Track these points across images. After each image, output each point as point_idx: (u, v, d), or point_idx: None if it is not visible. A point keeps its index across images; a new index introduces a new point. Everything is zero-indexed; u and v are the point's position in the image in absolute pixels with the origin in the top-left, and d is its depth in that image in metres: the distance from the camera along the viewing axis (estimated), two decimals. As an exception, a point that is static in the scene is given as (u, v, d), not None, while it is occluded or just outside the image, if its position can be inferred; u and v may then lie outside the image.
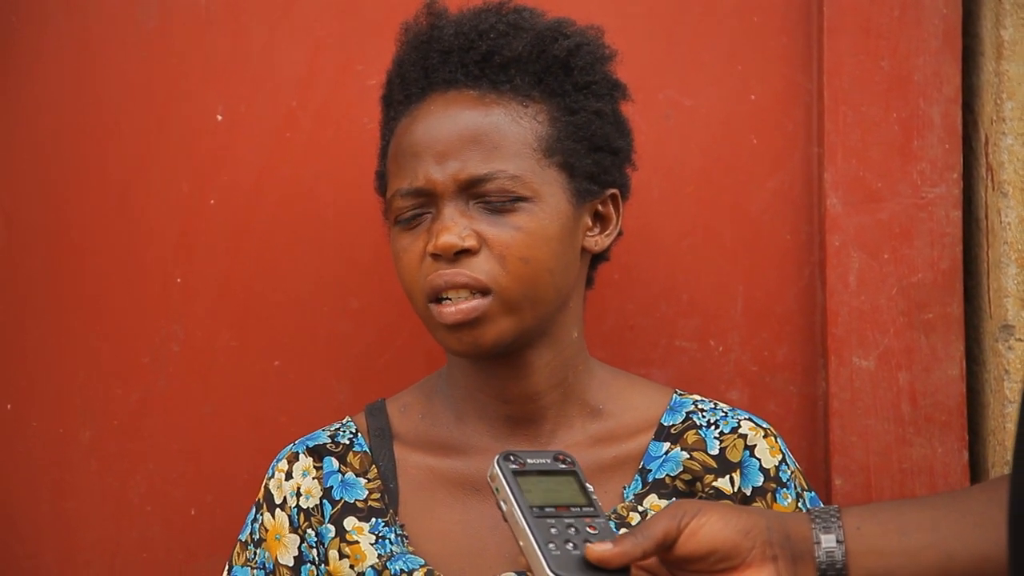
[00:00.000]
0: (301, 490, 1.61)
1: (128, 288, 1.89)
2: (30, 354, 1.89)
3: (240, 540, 1.64)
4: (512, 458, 1.31)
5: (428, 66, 1.59)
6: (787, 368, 1.86)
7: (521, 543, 1.25)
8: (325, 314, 1.88)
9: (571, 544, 1.25)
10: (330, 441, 1.64)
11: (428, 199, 1.53)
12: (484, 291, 1.50)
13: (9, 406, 1.89)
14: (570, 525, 1.26)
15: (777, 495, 1.57)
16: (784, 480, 1.58)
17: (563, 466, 1.33)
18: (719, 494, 1.57)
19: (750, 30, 1.87)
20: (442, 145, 1.53)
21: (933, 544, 1.31)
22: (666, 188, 1.86)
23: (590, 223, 1.59)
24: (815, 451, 1.84)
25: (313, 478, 1.61)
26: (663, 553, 1.28)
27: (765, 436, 1.60)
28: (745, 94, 1.87)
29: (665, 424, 1.61)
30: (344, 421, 1.66)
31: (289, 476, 1.62)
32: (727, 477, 1.58)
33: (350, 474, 1.61)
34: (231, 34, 1.90)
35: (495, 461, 1.30)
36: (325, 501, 1.60)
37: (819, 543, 1.31)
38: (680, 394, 1.64)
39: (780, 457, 1.59)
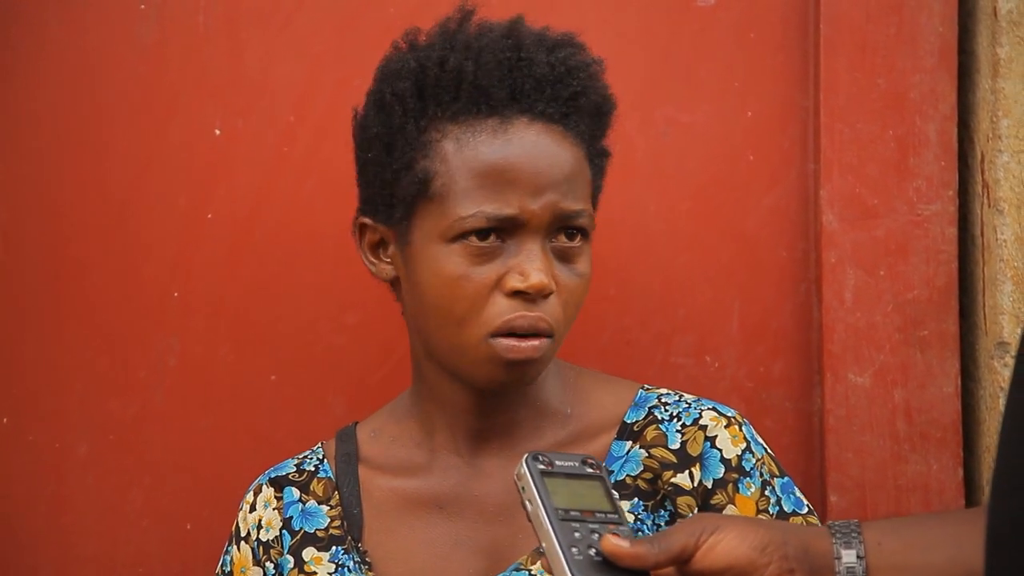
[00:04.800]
0: (262, 522, 1.61)
1: (125, 302, 1.89)
2: (27, 368, 1.89)
3: (215, 573, 1.65)
4: (541, 458, 1.29)
5: (516, 87, 1.50)
6: (783, 384, 1.86)
7: (544, 544, 1.25)
8: (322, 329, 1.88)
9: (593, 550, 1.25)
10: (295, 470, 1.63)
11: (510, 229, 1.48)
12: (550, 335, 1.49)
13: (6, 420, 1.89)
14: (594, 531, 1.26)
15: (739, 485, 1.53)
16: (747, 469, 1.53)
17: (590, 470, 1.32)
18: (678, 490, 1.53)
19: (747, 47, 1.87)
20: (542, 178, 1.48)
21: (955, 560, 1.29)
22: (662, 204, 1.86)
23: None
24: (811, 467, 1.84)
25: (274, 509, 1.61)
26: (679, 567, 1.28)
27: (728, 425, 1.55)
28: (742, 111, 1.87)
29: (628, 422, 1.57)
30: (315, 448, 1.65)
31: (253, 508, 1.62)
32: (687, 472, 1.53)
33: (312, 503, 1.60)
34: (229, 49, 1.90)
35: (523, 460, 1.28)
36: (285, 532, 1.60)
37: (840, 558, 1.29)
38: (647, 389, 1.60)
39: (744, 445, 1.54)
